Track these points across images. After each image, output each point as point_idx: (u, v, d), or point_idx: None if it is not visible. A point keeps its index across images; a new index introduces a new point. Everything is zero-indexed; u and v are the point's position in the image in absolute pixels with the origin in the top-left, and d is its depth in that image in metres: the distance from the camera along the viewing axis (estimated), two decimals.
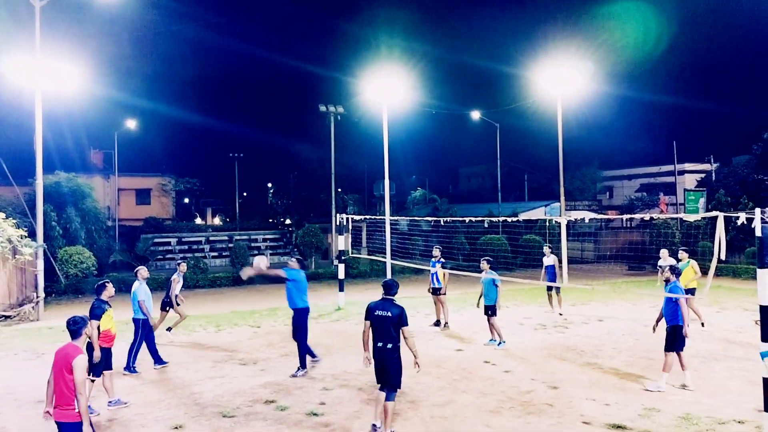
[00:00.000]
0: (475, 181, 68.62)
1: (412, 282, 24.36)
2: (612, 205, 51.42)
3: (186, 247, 38.11)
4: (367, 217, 23.01)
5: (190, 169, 51.80)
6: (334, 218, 24.20)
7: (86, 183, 29.27)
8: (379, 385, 7.26)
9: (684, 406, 8.14)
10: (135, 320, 10.71)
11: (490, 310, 12.23)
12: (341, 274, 18.42)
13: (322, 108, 30.27)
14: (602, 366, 10.50)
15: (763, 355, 6.67)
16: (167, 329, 13.64)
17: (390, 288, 7.38)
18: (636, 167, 52.61)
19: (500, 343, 12.07)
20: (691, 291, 13.16)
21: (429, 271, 14.39)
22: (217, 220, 60.36)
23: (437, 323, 14.36)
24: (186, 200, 54.74)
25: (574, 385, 9.34)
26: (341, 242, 18.85)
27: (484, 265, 12.43)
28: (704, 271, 13.35)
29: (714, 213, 7.63)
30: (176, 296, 13.40)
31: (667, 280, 9.22)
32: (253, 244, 38.88)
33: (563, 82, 21.06)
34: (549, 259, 15.72)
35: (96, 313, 8.65)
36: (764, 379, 6.64)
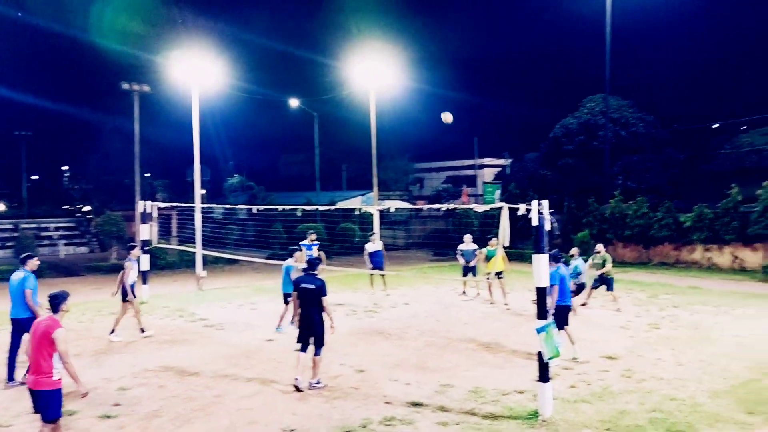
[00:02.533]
0: (294, 169, 68.49)
1: (225, 273, 23.71)
2: (422, 196, 54.62)
3: None
4: (176, 204, 21.78)
5: None
6: (137, 205, 22.54)
7: None
8: (301, 345, 8.61)
9: (475, 381, 8.91)
10: None
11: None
12: (145, 266, 17.26)
13: (125, 86, 27.99)
14: (406, 347, 11.11)
15: (539, 330, 7.52)
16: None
17: (313, 265, 8.81)
18: (443, 161, 56.42)
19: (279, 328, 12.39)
20: (499, 273, 14.80)
21: (248, 260, 14.30)
22: (0, 206, 53.29)
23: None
24: None
25: (380, 367, 9.77)
26: (145, 231, 17.71)
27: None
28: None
29: (499, 204, 8.43)
30: (131, 286, 11.90)
31: None
32: (43, 233, 35.01)
33: (376, 75, 21.77)
34: (375, 245, 16.83)
35: None
36: (539, 352, 7.49)
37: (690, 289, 17.50)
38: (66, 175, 54.24)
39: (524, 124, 57.91)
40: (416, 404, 7.94)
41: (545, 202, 7.34)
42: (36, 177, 54.73)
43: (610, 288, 14.51)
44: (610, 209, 25.00)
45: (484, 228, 25.18)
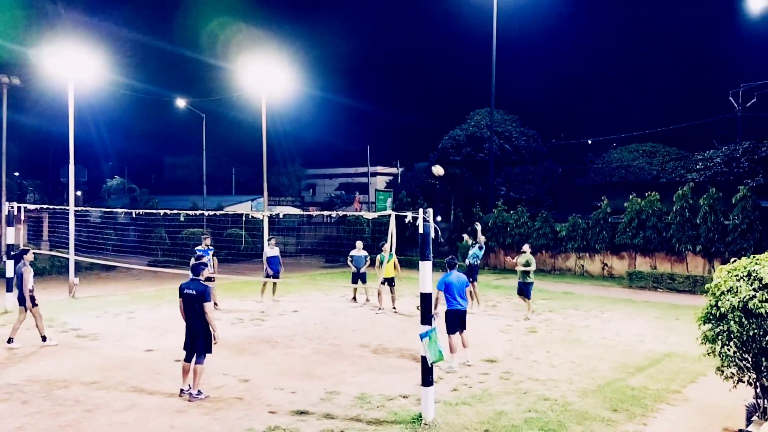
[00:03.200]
0: (180, 172, 65.91)
1: (102, 280, 22.29)
2: (315, 202, 54.43)
3: None
4: (47, 206, 20.25)
5: None
6: (3, 206, 20.74)
7: None
8: (186, 354, 8.46)
9: (360, 387, 8.96)
10: None
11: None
12: (10, 272, 15.87)
13: None
14: (293, 355, 10.98)
15: (422, 336, 7.70)
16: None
17: (196, 270, 8.59)
18: (336, 167, 56.58)
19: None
20: (391, 280, 15.10)
21: (126, 267, 13.63)
22: None
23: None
24: None
25: (265, 376, 9.58)
26: (11, 235, 16.31)
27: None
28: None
29: (388, 212, 8.57)
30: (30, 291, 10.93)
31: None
32: None
33: (268, 79, 21.47)
34: (272, 251, 16.56)
35: None
36: (422, 357, 7.67)
37: (564, 295, 18.67)
38: None
39: (415, 134, 59.52)
40: (301, 412, 7.87)
41: (430, 210, 7.55)
42: None
43: (527, 294, 14.53)
44: (492, 218, 26.18)
45: (376, 235, 25.52)
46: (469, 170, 35.64)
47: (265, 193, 23.32)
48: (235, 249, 27.06)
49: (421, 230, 7.56)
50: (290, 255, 30.60)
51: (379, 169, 54.47)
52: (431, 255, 7.63)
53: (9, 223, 16.63)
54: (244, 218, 27.74)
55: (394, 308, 15.46)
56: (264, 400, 8.40)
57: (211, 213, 19.02)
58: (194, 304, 8.32)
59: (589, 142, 45.01)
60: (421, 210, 7.50)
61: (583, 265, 23.99)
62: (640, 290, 20.02)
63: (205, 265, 8.98)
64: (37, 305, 11.39)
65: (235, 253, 25.78)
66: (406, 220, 7.86)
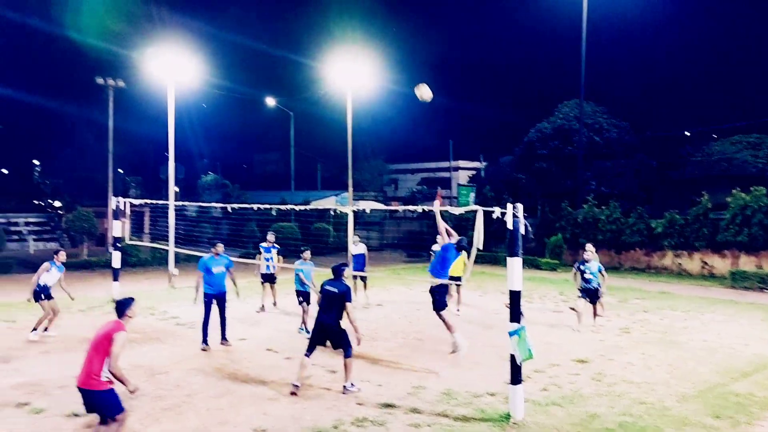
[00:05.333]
0: (269, 168, 68.10)
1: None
2: (397, 197, 54.71)
3: None
4: (148, 201, 21.53)
5: None
6: (110, 201, 22.21)
7: None
8: (309, 349, 8.52)
9: (447, 383, 8.93)
10: None
11: (306, 297, 12.34)
12: (116, 263, 16.98)
13: (99, 80, 27.58)
14: (378, 348, 11.09)
15: (511, 333, 7.57)
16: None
17: (338, 271, 8.73)
18: (418, 162, 56.53)
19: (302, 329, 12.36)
20: (457, 278, 14.46)
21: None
22: None
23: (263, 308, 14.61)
24: None
25: (353, 368, 9.72)
26: (117, 228, 17.41)
27: (306, 254, 12.53)
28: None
29: (474, 207, 8.47)
30: (43, 287, 11.49)
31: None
32: (12, 228, 34.28)
33: (353, 76, 21.74)
34: (358, 248, 16.02)
35: None
36: (511, 355, 7.54)
37: (660, 294, 17.81)
38: (37, 169, 53.16)
39: (499, 127, 58.45)
40: (388, 405, 7.94)
41: (520, 206, 7.39)
42: (5, 171, 53.53)
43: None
44: (583, 214, 25.33)
45: (458, 230, 25.30)
46: (556, 164, 34.65)
47: (350, 189, 23.68)
48: (323, 243, 27.63)
49: (509, 226, 7.42)
50: (373, 249, 30.94)
51: (462, 163, 53.96)
52: (521, 252, 7.48)
53: (115, 217, 17.76)
54: (333, 212, 28.22)
55: (458, 310, 14.48)
56: (351, 392, 8.53)
57: (302, 208, 19.40)
58: (334, 302, 8.43)
59: (687, 133, 42.64)
60: (510, 205, 7.36)
61: (680, 264, 22.77)
62: (744, 291, 18.75)
63: (346, 265, 9.14)
64: (47, 300, 11.61)
65: (322, 247, 26.35)
66: (494, 216, 7.74)
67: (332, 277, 8.75)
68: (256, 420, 7.45)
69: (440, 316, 9.93)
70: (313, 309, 11.99)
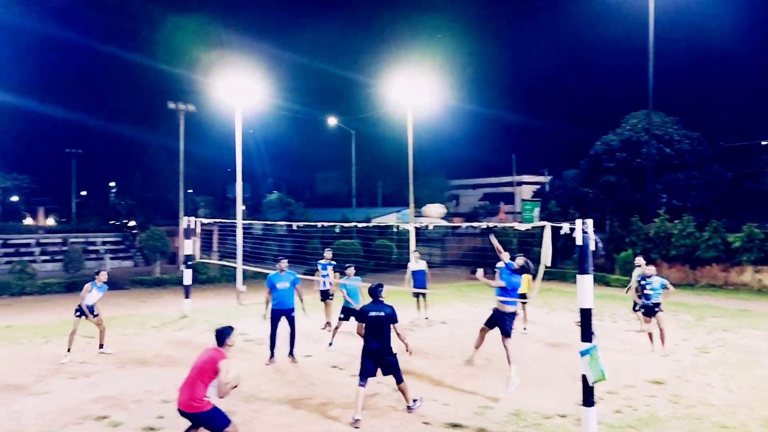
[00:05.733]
0: (331, 186, 69.01)
1: (264, 288, 23.84)
2: (458, 213, 54.35)
3: (12, 250, 34.37)
4: (218, 220, 22.24)
5: (19, 165, 46.86)
6: (181, 221, 23.08)
7: None
8: (363, 379, 8.14)
9: (514, 403, 8.74)
10: None
11: (347, 314, 12.49)
12: (187, 280, 17.58)
13: (171, 105, 28.83)
14: (443, 367, 10.99)
15: (582, 353, 7.35)
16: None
17: (376, 293, 8.48)
18: (480, 177, 56.06)
19: (331, 344, 12.54)
20: (523, 296, 14.13)
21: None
22: (51, 221, 55.09)
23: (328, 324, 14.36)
24: (14, 198, 49.44)
25: (417, 386, 9.67)
26: (188, 246, 18.03)
27: (350, 271, 12.71)
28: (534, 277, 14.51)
29: (542, 223, 8.30)
30: (87, 307, 11.80)
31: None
32: (90, 247, 36.05)
33: (414, 92, 21.86)
34: (418, 264, 15.66)
35: None
36: (583, 375, 7.31)
37: (739, 312, 16.90)
38: (113, 191, 55.85)
39: (563, 140, 57.33)
40: (455, 425, 7.83)
41: (590, 221, 7.21)
42: (84, 193, 56.50)
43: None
44: (654, 228, 24.42)
45: (523, 246, 24.87)
46: (624, 177, 33.61)
47: (412, 205, 23.71)
48: (384, 259, 27.72)
49: (579, 242, 7.24)
50: (435, 266, 30.78)
51: (525, 178, 53.15)
52: (591, 269, 7.27)
53: (187, 236, 18.40)
54: (396, 229, 28.28)
55: (524, 328, 14.17)
56: (418, 410, 8.47)
57: (363, 225, 19.56)
58: (382, 326, 8.19)
59: (765, 143, 40.51)
60: (579, 221, 7.19)
61: (760, 280, 21.57)
62: None
63: (382, 286, 8.75)
64: (87, 317, 11.83)
65: (384, 264, 26.44)
66: (562, 231, 7.57)
67: (371, 300, 8.49)
68: None
69: (505, 345, 9.65)
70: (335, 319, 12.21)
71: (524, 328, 14.27)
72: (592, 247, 7.26)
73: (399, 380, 8.28)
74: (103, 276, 12.12)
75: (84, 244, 34.93)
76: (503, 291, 9.81)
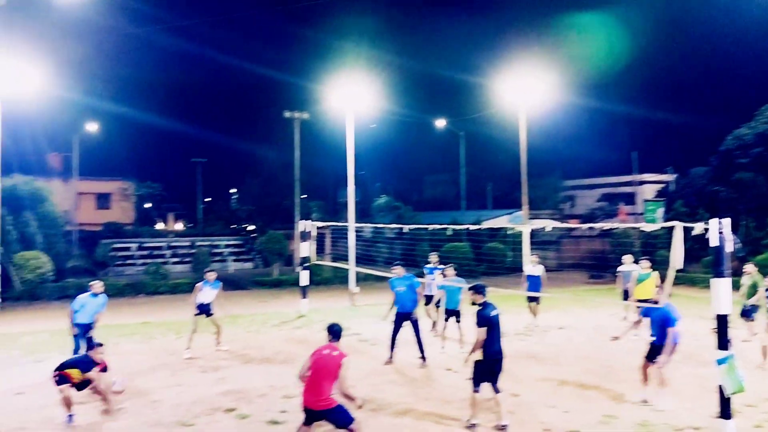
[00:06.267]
0: (439, 189, 68.89)
1: (375, 289, 24.28)
2: (574, 214, 52.35)
3: (147, 252, 37.35)
4: (331, 223, 22.94)
5: (152, 174, 50.88)
6: (297, 225, 24.01)
7: (44, 186, 28.39)
8: (478, 384, 7.76)
9: (642, 413, 8.27)
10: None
11: (455, 315, 12.35)
12: (304, 281, 18.26)
13: (287, 114, 30.08)
14: (562, 373, 10.61)
15: (719, 362, 6.83)
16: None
17: (484, 291, 7.97)
18: (597, 177, 53.66)
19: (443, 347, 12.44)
20: (648, 301, 13.29)
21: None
22: (179, 226, 59.31)
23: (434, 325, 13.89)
24: (147, 205, 53.67)
25: (535, 392, 9.42)
26: (305, 249, 18.71)
27: (449, 271, 12.59)
28: (663, 280, 13.65)
29: (673, 223, 7.79)
30: (200, 305, 12.56)
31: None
32: (215, 250, 38.33)
33: (527, 91, 21.36)
34: (536, 270, 15.14)
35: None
36: (719, 386, 6.79)
37: None
38: (234, 197, 59.17)
39: (689, 136, 53.67)
40: None
41: (726, 221, 6.68)
42: (208, 199, 60.32)
43: (749, 315, 12.77)
44: None
45: (646, 249, 23.52)
46: (760, 174, 30.88)
47: (525, 207, 23.19)
48: (497, 262, 27.27)
49: (714, 243, 6.73)
50: (551, 270, 29.80)
51: (647, 176, 50.18)
52: (728, 272, 6.73)
53: (303, 239, 19.10)
54: (509, 231, 27.71)
55: (635, 335, 13.42)
56: (536, 416, 8.25)
57: (475, 227, 19.28)
58: (500, 327, 7.88)
59: None
60: (714, 220, 6.68)
61: None
62: None
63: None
64: (207, 317, 12.59)
65: (496, 267, 26.01)
66: (694, 232, 7.07)
67: (482, 301, 7.90)
68: None
69: (644, 367, 8.97)
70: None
71: (635, 335, 13.49)
72: (729, 248, 6.73)
73: (499, 389, 7.86)
74: (212, 275, 12.83)
75: (209, 247, 37.20)
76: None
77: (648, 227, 11.63)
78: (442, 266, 14.47)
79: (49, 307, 20.80)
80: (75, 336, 10.78)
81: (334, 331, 6.91)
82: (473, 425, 7.78)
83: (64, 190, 40.22)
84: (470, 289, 8.05)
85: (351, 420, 6.62)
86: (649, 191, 47.01)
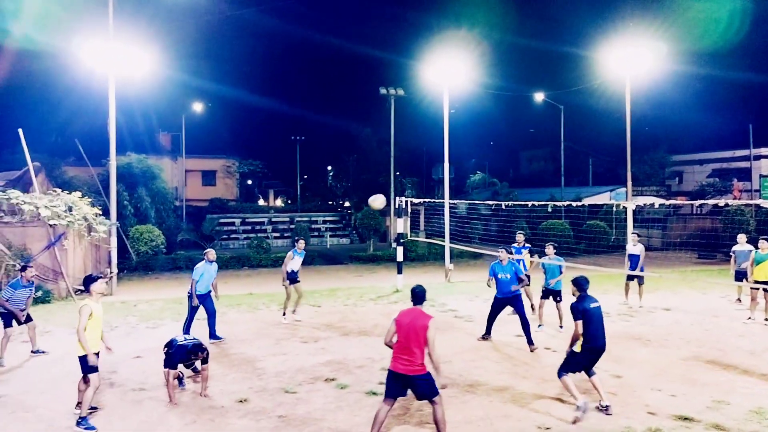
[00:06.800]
0: (536, 165, 67.16)
1: (470, 267, 24.23)
2: (681, 191, 49.38)
3: (249, 227, 39.14)
4: (426, 200, 22.99)
5: (253, 152, 52.96)
6: (393, 201, 24.26)
7: (156, 164, 30.32)
8: (590, 370, 7.66)
9: (756, 400, 7.81)
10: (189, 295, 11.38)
11: (558, 296, 12.16)
12: (399, 257, 18.49)
13: (382, 91, 30.26)
14: (669, 356, 10.17)
15: None
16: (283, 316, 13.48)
17: (586, 284, 7.71)
18: (708, 152, 50.24)
19: (540, 325, 12.19)
20: (765, 282, 12.47)
21: (491, 255, 14.03)
22: (279, 202, 61.56)
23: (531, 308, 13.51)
24: (249, 182, 56.03)
25: (639, 374, 9.10)
26: (400, 225, 18.88)
27: (549, 249, 12.41)
28: None
29: None
30: (290, 272, 13.01)
31: None
32: (313, 226, 39.53)
33: (633, 61, 20.23)
34: (636, 248, 14.76)
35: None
36: None
37: None
38: (330, 174, 60.54)
39: None
40: (685, 418, 7.23)
41: None
42: (306, 176, 62.07)
43: None
44: None
45: (761, 227, 21.87)
46: None
47: (629, 183, 22.14)
48: (596, 240, 26.34)
49: None
50: (655, 249, 28.42)
51: (764, 151, 46.33)
52: None
53: (398, 215, 19.29)
54: (612, 209, 26.55)
55: (766, 319, 12.65)
56: (640, 398, 7.98)
57: (576, 204, 18.64)
58: (602, 319, 7.63)
59: None
60: None
61: None
62: None
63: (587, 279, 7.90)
64: (291, 284, 13.01)
65: (596, 245, 25.14)
66: None
67: (582, 292, 7.65)
68: (539, 418, 7.42)
69: None
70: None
71: (765, 319, 12.70)
72: None
73: (593, 373, 7.68)
74: (302, 244, 13.37)
75: (307, 223, 38.43)
76: None
77: (765, 203, 10.72)
78: (528, 245, 14.35)
79: (161, 277, 22.34)
80: (194, 307, 11.34)
81: (417, 294, 6.72)
82: (605, 406, 7.50)
83: (173, 168, 42.81)
84: (572, 281, 7.81)
85: (437, 392, 6.50)
86: (766, 166, 43.49)
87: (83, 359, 7.35)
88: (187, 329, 11.15)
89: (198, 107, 43.85)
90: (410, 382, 6.49)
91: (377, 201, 15.71)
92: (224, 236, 35.92)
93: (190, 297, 11.35)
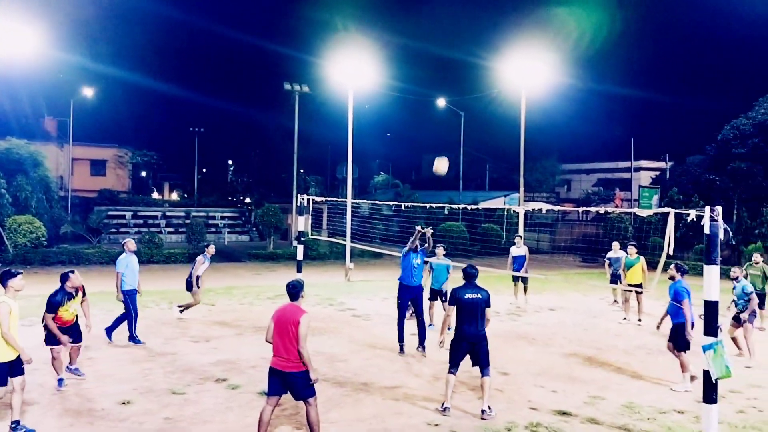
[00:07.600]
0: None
1: (371, 266, 24.45)
2: (569, 198, 52.49)
3: (141, 221, 37.37)
4: (329, 198, 22.99)
5: (148, 142, 50.54)
6: (295, 198, 24.03)
7: (39, 151, 28.21)
8: (454, 366, 7.68)
9: (628, 396, 8.41)
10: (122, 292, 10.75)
11: (441, 295, 12.30)
12: (300, 255, 18.34)
13: (287, 86, 29.90)
14: (552, 354, 10.75)
15: (705, 348, 6.92)
16: (179, 307, 13.11)
17: (473, 274, 7.86)
18: (594, 162, 53.71)
19: (430, 325, 12.08)
20: (638, 286, 13.50)
21: (391, 255, 14.14)
22: (174, 196, 59.15)
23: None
24: (143, 174, 53.47)
25: (524, 372, 9.54)
26: (301, 223, 18.74)
27: (439, 250, 12.54)
28: (653, 266, 13.75)
29: (666, 209, 7.84)
30: (198, 278, 12.80)
31: (671, 278, 9.04)
32: (210, 221, 38.36)
33: (528, 73, 21.25)
34: (521, 250, 15.58)
35: (52, 304, 8.35)
36: (704, 371, 6.90)
37: None
38: (231, 168, 59.00)
39: (687, 124, 53.55)
40: (564, 413, 7.66)
41: (719, 208, 6.73)
42: (205, 170, 60.09)
43: (762, 305, 12.62)
44: None
45: (641, 235, 23.65)
46: (757, 164, 30.97)
47: (521, 189, 23.23)
48: (490, 243, 27.41)
49: (707, 230, 6.78)
50: (543, 252, 29.98)
51: (644, 163, 50.22)
52: (719, 259, 6.80)
53: (299, 213, 19.12)
54: (507, 212, 27.69)
55: (639, 320, 13.66)
56: (524, 395, 8.37)
57: (472, 207, 19.23)
58: (478, 311, 7.62)
59: None
60: (708, 207, 6.73)
61: None
62: None
63: (477, 269, 8.08)
64: (199, 287, 12.90)
65: (489, 247, 26.16)
66: (689, 219, 7.11)
67: (465, 282, 7.81)
68: (430, 414, 7.59)
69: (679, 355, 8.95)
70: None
71: (639, 320, 13.70)
72: (721, 235, 6.79)
73: (488, 373, 7.65)
74: (212, 249, 13.20)
75: (205, 219, 37.22)
76: None
77: (643, 212, 11.69)
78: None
79: (41, 272, 20.82)
80: (125, 302, 10.71)
81: (290, 291, 6.63)
82: (445, 408, 7.60)
83: (59, 155, 40.08)
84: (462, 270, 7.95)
85: (313, 392, 6.39)
86: (645, 178, 47.14)
87: (16, 362, 6.70)
88: (132, 337, 10.75)
89: (89, 92, 41.19)
90: (286, 379, 6.35)
91: (442, 163, 14.20)
92: (113, 230, 34.05)
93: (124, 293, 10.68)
